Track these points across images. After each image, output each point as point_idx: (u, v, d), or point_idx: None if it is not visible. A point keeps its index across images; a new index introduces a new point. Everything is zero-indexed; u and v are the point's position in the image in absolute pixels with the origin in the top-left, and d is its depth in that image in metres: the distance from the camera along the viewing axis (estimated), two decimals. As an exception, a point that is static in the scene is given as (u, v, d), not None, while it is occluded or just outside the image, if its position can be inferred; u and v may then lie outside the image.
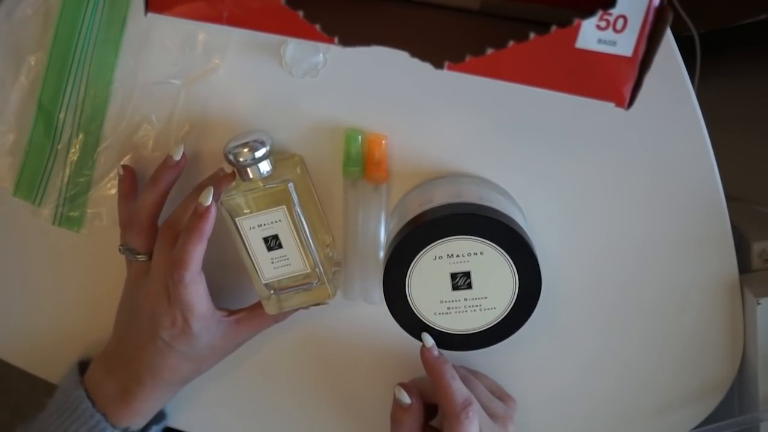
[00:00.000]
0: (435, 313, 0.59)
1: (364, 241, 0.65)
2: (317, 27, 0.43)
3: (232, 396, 0.73)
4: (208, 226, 0.58)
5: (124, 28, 0.61)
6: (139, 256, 0.63)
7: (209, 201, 0.58)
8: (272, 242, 0.60)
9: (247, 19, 0.47)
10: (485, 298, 0.58)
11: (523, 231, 0.57)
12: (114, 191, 0.65)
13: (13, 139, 0.64)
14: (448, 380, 0.60)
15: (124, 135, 0.64)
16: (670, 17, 0.43)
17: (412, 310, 0.59)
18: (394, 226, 0.61)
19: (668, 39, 0.58)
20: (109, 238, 0.66)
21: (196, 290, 0.60)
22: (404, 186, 0.64)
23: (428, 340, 0.61)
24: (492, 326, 0.59)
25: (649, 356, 0.69)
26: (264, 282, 0.62)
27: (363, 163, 0.63)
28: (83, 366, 0.68)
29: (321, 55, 0.60)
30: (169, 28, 0.61)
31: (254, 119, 0.63)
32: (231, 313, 0.64)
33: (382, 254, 0.65)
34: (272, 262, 0.61)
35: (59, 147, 0.64)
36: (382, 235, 0.65)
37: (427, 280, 0.58)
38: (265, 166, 0.58)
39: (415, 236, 0.57)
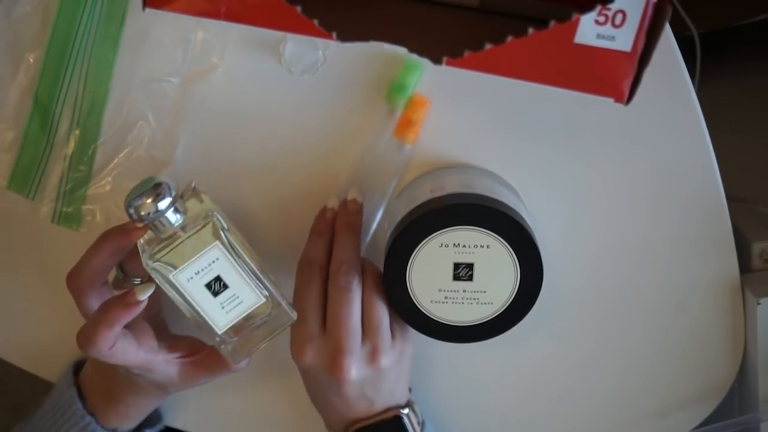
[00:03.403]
0: (431, 301, 0.59)
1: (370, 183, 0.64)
2: (315, 22, 0.43)
3: (233, 396, 0.73)
4: (131, 317, 0.54)
5: (123, 24, 0.61)
6: None
7: (145, 297, 0.54)
8: (216, 285, 0.55)
9: (245, 15, 0.47)
10: (484, 292, 0.58)
11: (532, 230, 0.57)
12: (109, 188, 0.65)
13: (12, 136, 0.64)
14: (345, 237, 0.61)
15: (120, 132, 0.64)
16: (669, 12, 0.43)
17: (409, 295, 0.59)
18: (401, 209, 0.60)
19: (669, 39, 0.58)
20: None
21: (115, 357, 0.56)
22: (405, 174, 0.64)
23: (359, 194, 0.62)
24: (485, 322, 0.59)
25: (650, 356, 0.69)
26: (220, 332, 0.56)
27: (407, 99, 0.61)
28: (79, 365, 0.68)
29: (320, 52, 0.60)
30: (167, 25, 0.61)
31: (252, 117, 0.63)
32: (189, 352, 0.61)
33: (379, 218, 0.65)
34: (223, 307, 0.56)
35: (55, 141, 0.64)
36: (388, 194, 0.64)
37: (430, 267, 0.57)
38: (174, 215, 0.52)
39: (426, 220, 0.56)
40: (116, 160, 0.65)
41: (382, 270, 0.59)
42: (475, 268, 0.57)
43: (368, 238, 0.65)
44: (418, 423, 0.63)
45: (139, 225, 0.53)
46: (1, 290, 0.72)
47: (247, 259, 0.55)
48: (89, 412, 0.64)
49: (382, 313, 0.60)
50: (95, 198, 0.65)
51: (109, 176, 0.65)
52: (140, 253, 0.54)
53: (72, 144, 0.64)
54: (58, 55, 0.62)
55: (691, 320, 0.67)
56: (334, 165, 0.64)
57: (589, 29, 0.45)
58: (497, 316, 0.59)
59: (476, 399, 0.71)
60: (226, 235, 0.54)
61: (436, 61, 0.43)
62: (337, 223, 0.63)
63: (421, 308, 0.59)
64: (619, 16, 0.44)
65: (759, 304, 0.65)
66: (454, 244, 0.57)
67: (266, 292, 0.56)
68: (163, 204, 0.51)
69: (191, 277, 0.54)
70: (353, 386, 0.59)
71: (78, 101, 0.63)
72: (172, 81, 0.62)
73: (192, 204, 0.55)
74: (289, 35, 0.59)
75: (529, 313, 0.59)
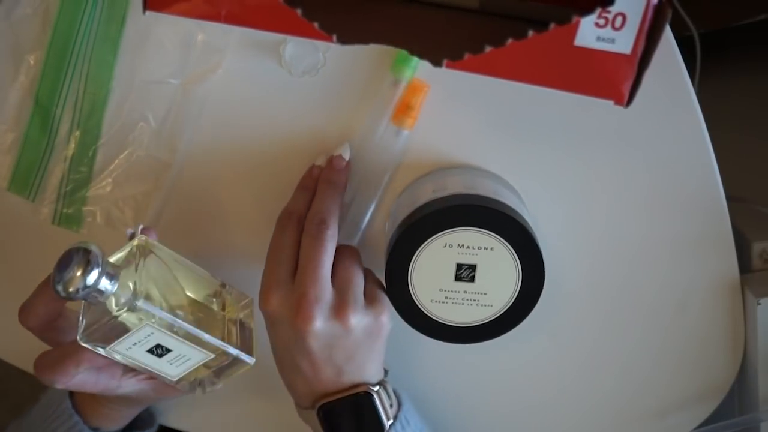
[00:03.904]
0: (432, 301, 0.59)
1: (367, 170, 0.64)
2: (315, 25, 0.43)
3: (232, 395, 0.73)
4: (83, 368, 0.55)
5: (123, 26, 0.61)
6: None
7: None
8: (159, 350, 0.53)
9: (246, 17, 0.47)
10: (485, 294, 0.58)
11: (535, 234, 0.57)
12: (109, 189, 0.65)
13: (13, 138, 0.64)
14: (325, 190, 0.60)
15: (120, 133, 0.64)
16: (669, 14, 0.43)
17: (410, 293, 0.59)
18: (403, 208, 0.60)
19: (668, 39, 0.58)
20: (107, 238, 0.66)
21: (71, 387, 0.57)
22: (403, 175, 0.64)
23: (347, 151, 0.61)
24: (484, 323, 0.59)
25: (650, 356, 0.69)
26: (175, 381, 0.57)
27: (412, 74, 0.60)
28: None
29: (320, 54, 0.60)
30: (168, 27, 0.61)
31: (252, 119, 0.63)
32: None
33: (372, 208, 0.65)
34: (171, 363, 0.55)
35: (56, 142, 0.64)
36: (384, 181, 0.64)
37: (432, 266, 0.57)
38: (106, 284, 0.49)
39: (430, 220, 0.56)
40: (117, 162, 0.65)
41: (384, 267, 0.59)
42: (478, 269, 0.57)
43: (363, 226, 0.65)
44: (391, 405, 0.61)
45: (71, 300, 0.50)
46: (1, 290, 0.72)
47: (189, 324, 0.53)
48: (77, 411, 0.64)
49: (353, 274, 0.58)
50: (96, 199, 0.66)
51: (110, 177, 0.65)
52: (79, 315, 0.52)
53: (72, 145, 0.64)
54: (59, 56, 0.62)
55: (691, 320, 0.67)
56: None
57: (589, 32, 0.45)
58: (496, 318, 0.59)
59: (475, 398, 0.72)
60: (157, 314, 0.51)
61: (436, 63, 0.43)
62: (320, 178, 0.62)
63: (421, 307, 0.59)
64: (619, 19, 0.44)
65: (759, 304, 0.65)
66: (459, 245, 0.57)
67: (218, 347, 0.55)
68: (90, 278, 0.47)
69: (129, 348, 0.52)
70: (319, 340, 0.56)
71: (78, 103, 0.63)
72: (172, 82, 0.62)
73: (128, 260, 0.53)
74: (289, 37, 0.60)
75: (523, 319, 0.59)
